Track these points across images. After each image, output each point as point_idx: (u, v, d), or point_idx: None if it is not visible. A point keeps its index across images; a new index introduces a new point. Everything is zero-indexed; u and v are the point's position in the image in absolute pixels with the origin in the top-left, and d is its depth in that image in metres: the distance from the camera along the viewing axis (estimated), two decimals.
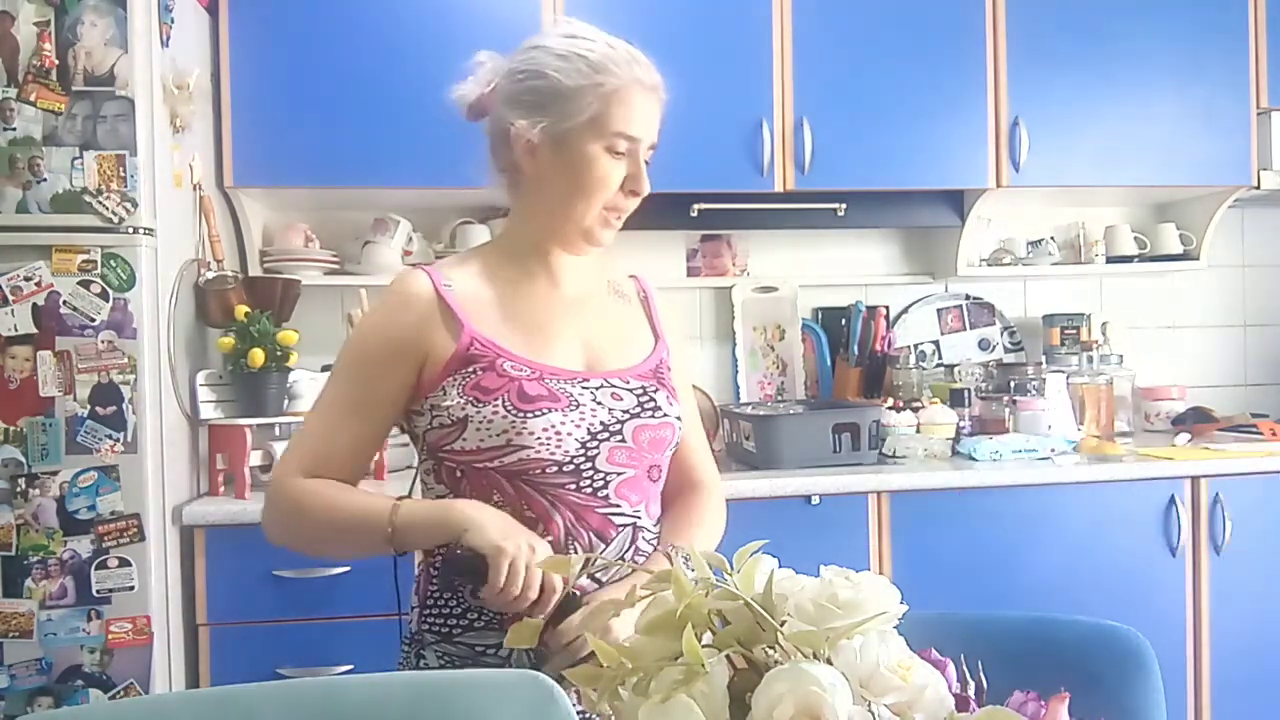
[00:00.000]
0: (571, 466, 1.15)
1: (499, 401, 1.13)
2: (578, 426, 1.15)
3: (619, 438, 1.18)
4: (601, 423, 1.17)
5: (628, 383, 1.21)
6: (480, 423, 1.13)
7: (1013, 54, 2.55)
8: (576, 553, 1.15)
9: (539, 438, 1.13)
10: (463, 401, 1.14)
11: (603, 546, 1.17)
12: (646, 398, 1.21)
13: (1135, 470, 2.32)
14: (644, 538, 1.22)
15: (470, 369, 1.15)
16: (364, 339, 1.21)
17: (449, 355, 1.16)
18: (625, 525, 1.19)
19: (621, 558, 1.18)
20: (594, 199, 1.18)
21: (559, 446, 1.13)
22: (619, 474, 1.18)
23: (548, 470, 1.15)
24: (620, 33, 2.61)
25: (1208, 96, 2.64)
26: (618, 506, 1.19)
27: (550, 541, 1.14)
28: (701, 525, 1.30)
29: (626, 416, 1.19)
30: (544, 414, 1.13)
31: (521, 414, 1.12)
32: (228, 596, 1.99)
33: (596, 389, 1.19)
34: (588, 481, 1.16)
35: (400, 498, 1.15)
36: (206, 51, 2.26)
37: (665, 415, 1.22)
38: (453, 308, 1.18)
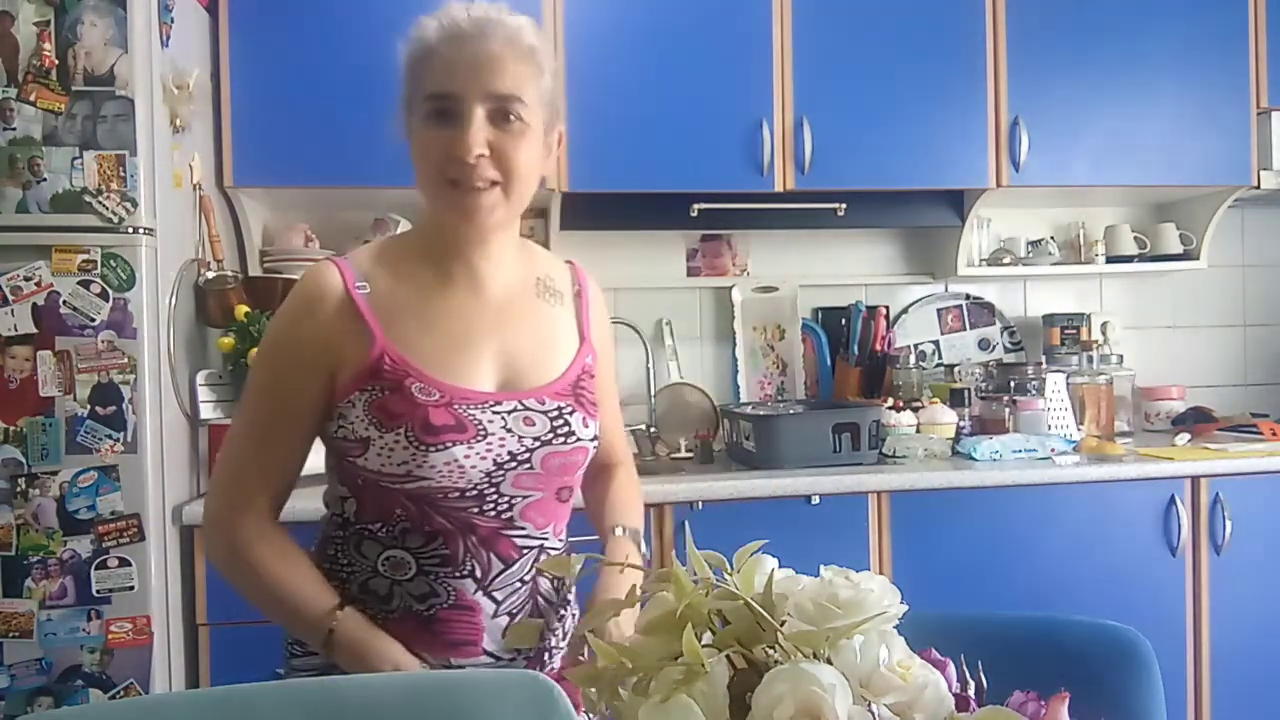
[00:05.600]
0: (475, 493, 1.12)
1: (401, 430, 1.08)
2: (483, 459, 1.10)
3: (527, 465, 1.14)
4: (510, 453, 1.12)
5: (543, 403, 1.16)
6: (381, 448, 1.09)
7: (1013, 54, 2.55)
8: (475, 572, 1.13)
9: (440, 471, 1.09)
10: (366, 421, 1.10)
11: (502, 567, 1.14)
12: (561, 421, 1.16)
13: (1135, 470, 2.32)
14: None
15: (377, 386, 1.10)
16: (274, 347, 1.15)
17: (358, 368, 1.11)
18: (531, 547, 1.17)
19: (522, 579, 1.16)
20: (427, 175, 1.10)
21: (462, 477, 1.10)
22: (525, 497, 1.15)
23: (450, 496, 1.11)
24: (621, 33, 2.62)
25: (1208, 96, 2.64)
26: (523, 529, 1.16)
27: (448, 555, 1.12)
28: (631, 503, 1.32)
29: (536, 444, 1.14)
30: (446, 448, 1.08)
31: (424, 447, 1.08)
32: (228, 596, 1.95)
33: (509, 414, 1.13)
34: (491, 506, 1.13)
35: (334, 609, 1.12)
36: (206, 51, 2.26)
37: (579, 440, 1.17)
38: (364, 314, 1.12)
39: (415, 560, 1.13)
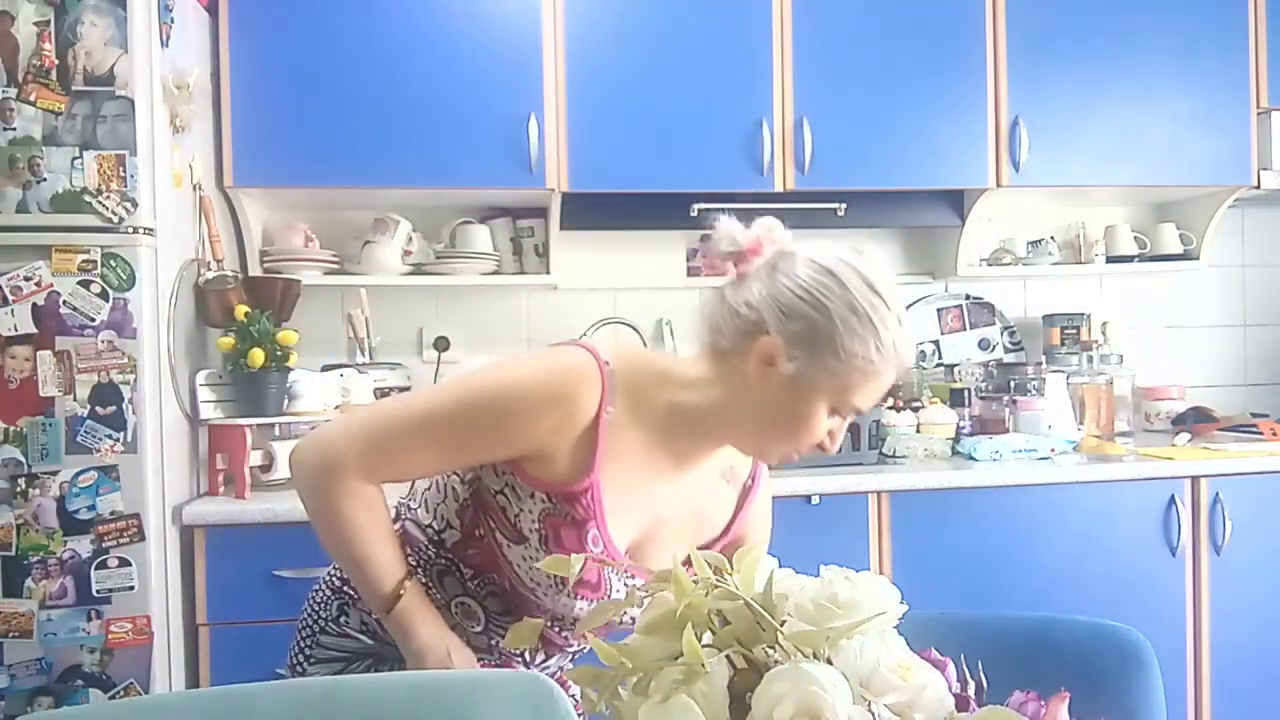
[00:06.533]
0: (561, 617, 1.18)
1: None
2: (590, 610, 1.15)
3: (607, 626, 1.18)
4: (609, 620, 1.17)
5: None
6: (528, 556, 1.12)
7: (1013, 54, 2.55)
8: (525, 655, 1.22)
9: (557, 603, 1.15)
10: (533, 525, 1.12)
11: (545, 657, 1.25)
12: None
13: (1135, 470, 2.32)
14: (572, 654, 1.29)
15: (564, 508, 1.11)
16: (500, 402, 1.09)
17: (559, 481, 1.11)
18: (571, 651, 1.26)
19: (561, 667, 1.27)
20: (792, 443, 1.10)
21: (568, 612, 1.16)
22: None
23: (542, 609, 1.17)
24: (621, 33, 2.62)
25: (1208, 96, 2.64)
26: (571, 644, 1.24)
27: None
28: None
29: (631, 622, 1.15)
30: (576, 599, 1.14)
31: (561, 586, 1.12)
32: (228, 596, 1.99)
33: (634, 588, 1.16)
34: (559, 626, 1.20)
35: (404, 578, 1.15)
36: (206, 51, 2.26)
37: None
38: (598, 442, 1.10)
39: (485, 619, 1.20)
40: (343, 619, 1.25)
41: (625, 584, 1.16)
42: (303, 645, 1.28)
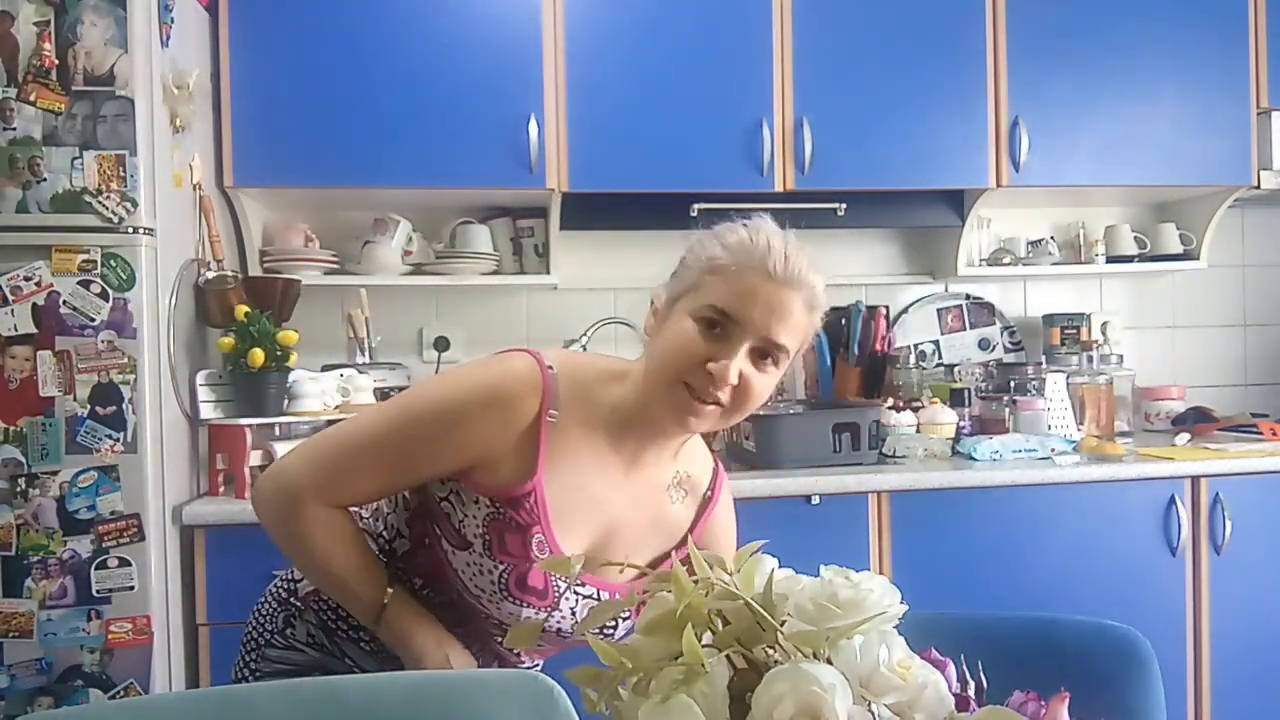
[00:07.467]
0: (508, 627, 1.18)
1: (500, 569, 1.12)
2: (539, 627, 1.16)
3: (560, 639, 1.19)
4: (558, 630, 1.17)
5: (612, 599, 1.19)
6: (472, 562, 1.13)
7: (1013, 54, 2.55)
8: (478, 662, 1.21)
9: (503, 611, 1.15)
10: (478, 530, 1.12)
11: (498, 666, 1.25)
12: (614, 623, 1.17)
13: (1135, 470, 2.32)
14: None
15: (507, 512, 1.11)
16: (444, 411, 1.11)
17: (503, 485, 1.11)
18: (524, 666, 1.27)
19: None
20: (669, 367, 1.08)
21: (515, 622, 1.15)
22: (539, 648, 1.25)
23: (491, 620, 1.18)
24: (621, 33, 2.62)
25: (1208, 96, 2.64)
26: (523, 661, 1.27)
27: (465, 644, 1.19)
28: None
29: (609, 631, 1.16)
30: (521, 605, 1.13)
31: (507, 594, 1.12)
32: (228, 596, 1.99)
33: (585, 597, 1.17)
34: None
35: (387, 586, 1.15)
36: (206, 51, 2.26)
37: (613, 638, 1.17)
38: (540, 444, 1.11)
39: None
40: (289, 631, 1.23)
41: (575, 592, 1.16)
42: (247, 660, 1.25)
